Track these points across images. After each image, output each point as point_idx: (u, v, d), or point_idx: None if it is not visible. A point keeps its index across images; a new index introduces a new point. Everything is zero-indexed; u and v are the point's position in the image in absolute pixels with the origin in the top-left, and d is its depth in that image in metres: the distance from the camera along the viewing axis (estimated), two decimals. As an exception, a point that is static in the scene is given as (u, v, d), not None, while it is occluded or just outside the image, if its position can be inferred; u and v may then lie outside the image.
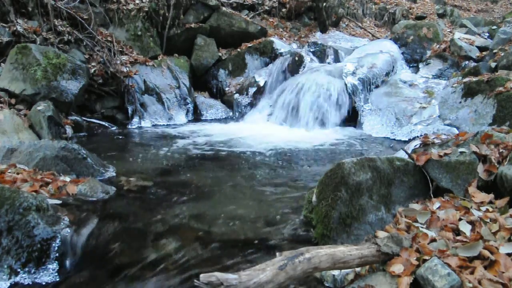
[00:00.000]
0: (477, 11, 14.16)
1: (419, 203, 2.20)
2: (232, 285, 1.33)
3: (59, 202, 2.36)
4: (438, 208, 2.05)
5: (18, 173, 2.68)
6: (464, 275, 1.51)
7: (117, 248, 2.17)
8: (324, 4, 8.81)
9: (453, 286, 1.46)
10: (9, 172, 2.68)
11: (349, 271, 1.78)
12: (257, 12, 8.49)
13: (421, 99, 5.43)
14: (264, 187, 3.16)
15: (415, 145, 2.77)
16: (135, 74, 5.97)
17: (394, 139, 4.94)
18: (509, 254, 1.58)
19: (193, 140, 4.91)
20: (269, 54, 7.20)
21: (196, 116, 6.49)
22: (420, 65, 6.65)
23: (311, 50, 7.25)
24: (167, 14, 6.86)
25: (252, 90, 6.62)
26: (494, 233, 1.73)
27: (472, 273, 1.53)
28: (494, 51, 5.88)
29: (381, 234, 1.92)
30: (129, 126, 5.65)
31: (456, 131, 4.34)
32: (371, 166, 2.23)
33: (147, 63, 6.29)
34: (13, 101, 4.63)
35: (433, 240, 1.77)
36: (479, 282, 1.48)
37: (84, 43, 5.85)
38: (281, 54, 7.07)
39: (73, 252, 2.06)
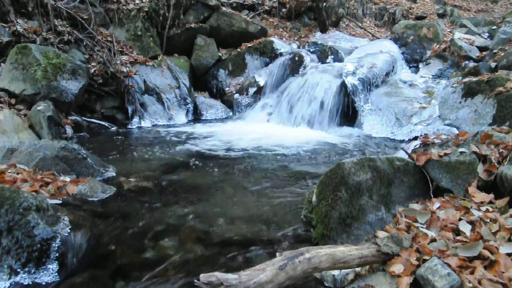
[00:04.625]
0: (477, 11, 14.16)
1: (419, 203, 2.20)
2: (232, 285, 1.33)
3: (59, 202, 2.36)
4: (438, 208, 2.05)
5: (18, 173, 2.68)
6: (464, 275, 1.51)
7: (117, 248, 2.17)
8: (324, 4, 8.80)
9: (453, 286, 1.46)
10: (9, 172, 2.68)
11: (349, 271, 1.78)
12: (257, 12, 8.49)
13: (421, 99, 5.42)
14: (264, 187, 3.17)
15: (415, 145, 2.77)
16: (135, 74, 5.97)
17: (394, 139, 4.94)
18: (509, 254, 1.58)
19: (193, 140, 4.91)
20: (269, 54, 7.20)
21: (196, 116, 6.49)
22: (420, 65, 6.64)
23: (311, 50, 7.25)
24: (167, 14, 6.86)
25: (252, 90, 6.62)
26: (494, 233, 1.73)
27: (472, 273, 1.53)
28: (494, 51, 5.88)
29: (381, 234, 1.92)
30: (129, 126, 5.65)
31: (456, 131, 4.34)
32: (371, 166, 2.23)
33: (147, 63, 6.29)
34: (13, 101, 4.63)
35: (433, 240, 1.77)
36: (479, 282, 1.48)
37: (84, 43, 5.85)
38: (281, 54, 7.06)
39: (73, 252, 2.06)
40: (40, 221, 2.01)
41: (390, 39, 7.32)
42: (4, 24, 5.28)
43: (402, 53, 6.83)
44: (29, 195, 2.10)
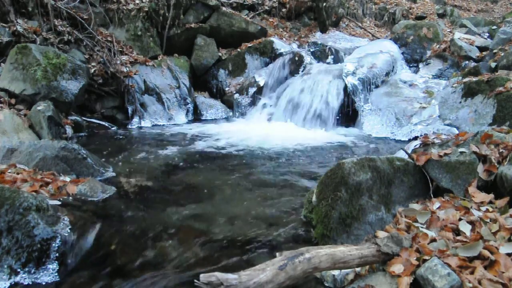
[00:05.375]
0: (477, 11, 14.16)
1: (419, 203, 2.20)
2: (232, 285, 1.33)
3: (59, 202, 2.36)
4: (438, 208, 2.05)
5: (18, 173, 2.68)
6: (464, 275, 1.51)
7: (117, 248, 2.17)
8: (324, 4, 8.80)
9: (453, 286, 1.46)
10: (9, 172, 2.68)
11: (349, 271, 1.78)
12: (257, 12, 8.49)
13: (421, 99, 5.43)
14: (264, 187, 3.17)
15: (415, 145, 2.77)
16: (135, 74, 5.96)
17: (394, 139, 4.94)
18: (509, 254, 1.58)
19: (193, 140, 4.91)
20: (269, 54, 7.20)
21: (196, 116, 6.49)
22: (420, 65, 6.65)
23: (311, 50, 7.25)
24: (167, 14, 6.86)
25: (252, 90, 6.62)
26: (494, 233, 1.73)
27: (472, 273, 1.53)
28: (494, 51, 5.88)
29: (381, 234, 1.92)
30: (129, 126, 5.65)
31: (456, 131, 4.34)
32: (371, 166, 2.23)
33: (147, 63, 6.29)
34: (13, 101, 4.63)
35: (433, 240, 1.77)
36: (479, 282, 1.48)
37: (84, 43, 5.85)
38: (281, 54, 7.06)
39: (73, 252, 2.06)
40: (40, 221, 2.01)
41: (390, 39, 7.32)
42: (4, 24, 5.28)
43: (402, 53, 6.83)
44: (29, 195, 2.10)
